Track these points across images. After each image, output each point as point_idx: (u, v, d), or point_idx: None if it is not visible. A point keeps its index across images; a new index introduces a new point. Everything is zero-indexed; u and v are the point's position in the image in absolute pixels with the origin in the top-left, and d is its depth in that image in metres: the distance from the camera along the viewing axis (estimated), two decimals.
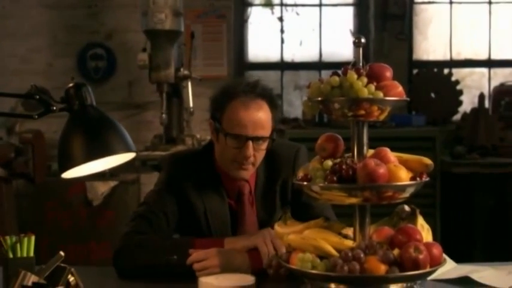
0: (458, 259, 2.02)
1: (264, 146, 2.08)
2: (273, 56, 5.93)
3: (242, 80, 2.18)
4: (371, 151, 1.71)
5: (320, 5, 5.91)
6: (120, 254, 2.01)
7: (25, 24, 5.43)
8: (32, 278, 1.51)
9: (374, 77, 1.64)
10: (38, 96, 1.49)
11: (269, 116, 2.07)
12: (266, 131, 2.07)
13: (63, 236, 4.45)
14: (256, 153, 2.07)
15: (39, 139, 4.33)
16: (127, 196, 4.81)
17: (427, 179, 1.66)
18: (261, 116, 2.04)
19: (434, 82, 5.66)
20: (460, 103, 5.68)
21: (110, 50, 5.46)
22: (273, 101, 2.10)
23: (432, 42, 5.93)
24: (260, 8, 5.97)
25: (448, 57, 5.92)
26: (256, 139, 2.04)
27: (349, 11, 5.97)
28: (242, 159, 2.05)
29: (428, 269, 1.58)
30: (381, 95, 1.61)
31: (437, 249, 1.62)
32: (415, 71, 5.80)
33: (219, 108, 2.09)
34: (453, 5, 5.88)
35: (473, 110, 5.46)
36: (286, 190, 2.21)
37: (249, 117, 2.03)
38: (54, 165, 5.01)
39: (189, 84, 4.51)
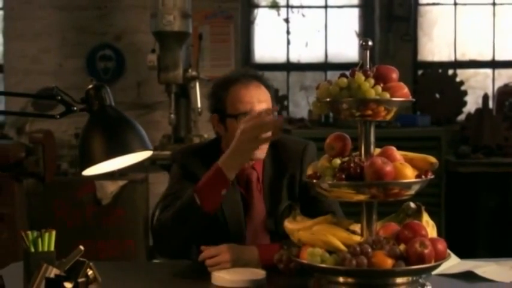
0: (462, 256, 2.07)
1: None
2: (279, 57, 5.97)
3: (232, 72, 2.27)
4: (378, 150, 1.76)
5: (326, 6, 5.95)
6: (158, 231, 2.13)
7: (35, 25, 5.48)
8: (53, 271, 1.56)
9: (381, 79, 1.69)
10: (59, 97, 1.55)
11: (267, 93, 2.19)
12: (269, 105, 2.17)
13: (72, 234, 4.47)
14: None
15: (50, 139, 4.37)
16: (136, 195, 4.86)
17: (432, 176, 1.70)
18: (261, 92, 2.17)
19: (439, 83, 5.70)
20: (464, 103, 5.71)
21: (118, 51, 5.51)
22: (266, 82, 2.22)
23: (437, 43, 5.96)
24: (266, 9, 6.01)
25: (452, 58, 5.95)
26: None
27: (355, 13, 6.01)
28: None
29: (433, 263, 1.63)
30: (387, 96, 1.66)
31: (442, 245, 1.67)
32: (420, 72, 5.82)
33: (220, 99, 2.18)
34: (457, 6, 5.91)
35: (478, 110, 5.48)
36: (294, 184, 2.26)
37: (251, 93, 2.15)
38: (63, 164, 5.08)
39: (197, 84, 4.56)
